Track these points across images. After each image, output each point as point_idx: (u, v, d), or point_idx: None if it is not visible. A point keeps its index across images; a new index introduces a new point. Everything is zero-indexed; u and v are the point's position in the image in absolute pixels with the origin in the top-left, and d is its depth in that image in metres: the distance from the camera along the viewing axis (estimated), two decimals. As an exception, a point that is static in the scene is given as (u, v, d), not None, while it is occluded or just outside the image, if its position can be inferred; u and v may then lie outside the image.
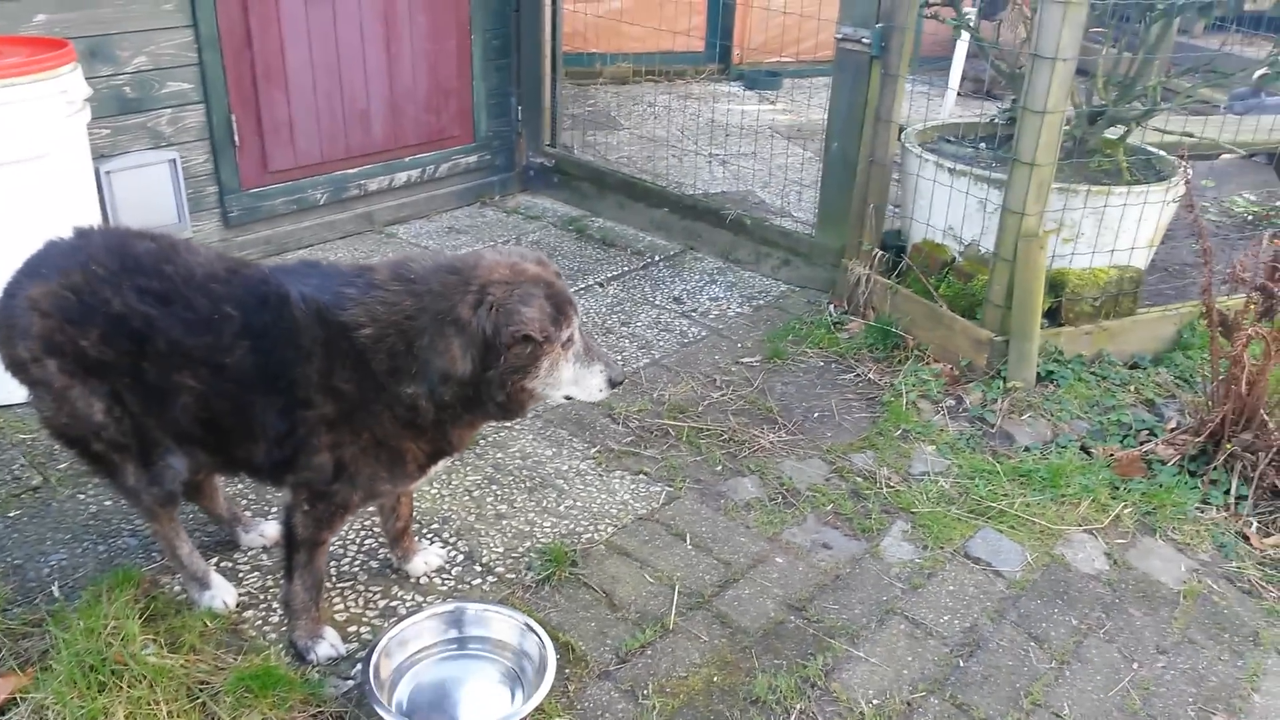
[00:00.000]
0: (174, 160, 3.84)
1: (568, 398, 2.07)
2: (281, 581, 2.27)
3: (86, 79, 3.17)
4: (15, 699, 2.01)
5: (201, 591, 2.35)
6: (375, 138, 4.51)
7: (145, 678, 2.01)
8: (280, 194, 4.25)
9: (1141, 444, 3.14)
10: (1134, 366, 3.55)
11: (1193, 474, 3.01)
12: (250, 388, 2.01)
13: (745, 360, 3.66)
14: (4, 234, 2.95)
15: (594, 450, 3.08)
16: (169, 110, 3.83)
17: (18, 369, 2.14)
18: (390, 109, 4.51)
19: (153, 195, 3.81)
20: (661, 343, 3.76)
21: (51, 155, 3.00)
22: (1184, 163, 3.36)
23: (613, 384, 2.05)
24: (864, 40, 3.68)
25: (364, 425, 2.01)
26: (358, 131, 4.44)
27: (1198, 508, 2.90)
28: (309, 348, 1.97)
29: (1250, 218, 5.17)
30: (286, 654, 2.22)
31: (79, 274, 2.05)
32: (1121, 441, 3.17)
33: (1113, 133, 3.87)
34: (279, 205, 4.26)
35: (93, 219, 3.25)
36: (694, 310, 4.03)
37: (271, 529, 2.60)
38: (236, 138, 4.03)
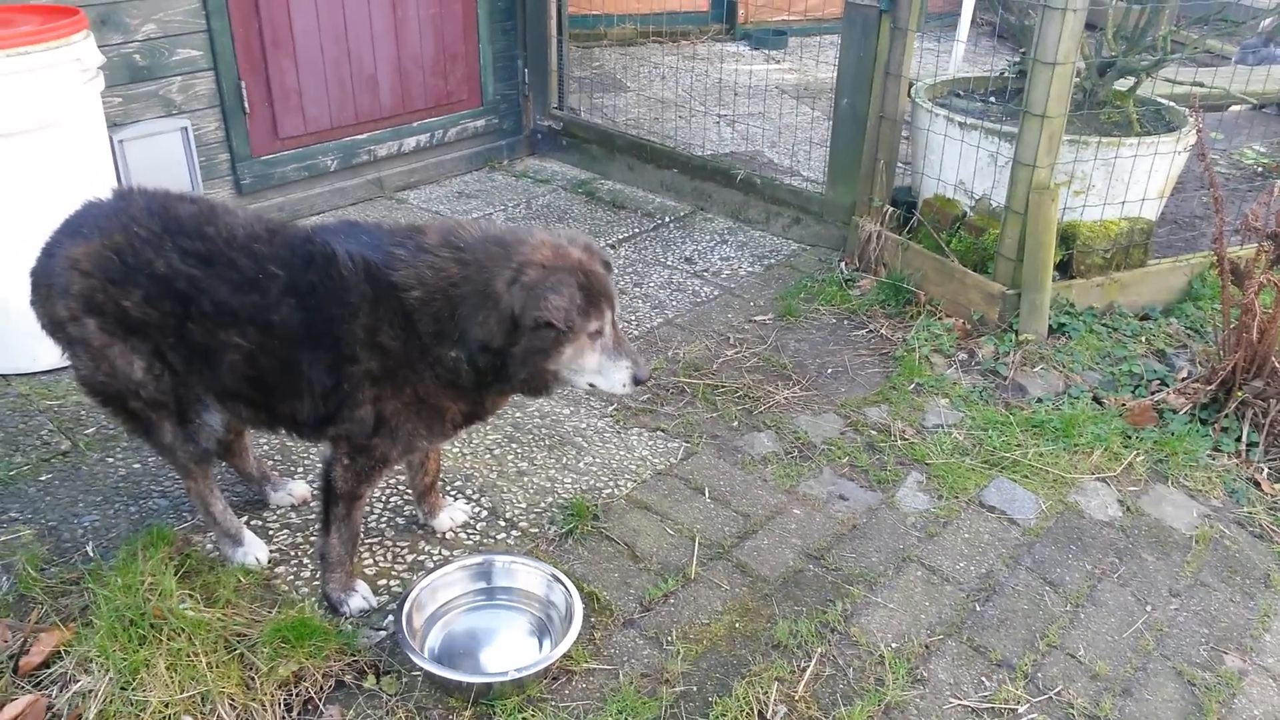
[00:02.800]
0: (186, 128, 3.86)
1: (591, 385, 2.08)
2: (316, 536, 2.33)
3: (99, 46, 3.17)
4: (60, 652, 2.07)
5: (234, 548, 2.40)
6: (384, 103, 4.52)
7: (184, 631, 2.07)
8: (291, 160, 4.26)
9: (1153, 394, 3.17)
10: (1145, 318, 3.58)
11: (1204, 422, 3.04)
12: (297, 344, 2.06)
13: (758, 318, 3.69)
14: (24, 201, 2.99)
15: (611, 409, 3.12)
16: (179, 78, 3.84)
17: (55, 327, 2.18)
18: (398, 74, 4.51)
19: (166, 163, 3.83)
20: (674, 302, 3.79)
21: (67, 123, 3.02)
22: (1195, 113, 3.36)
23: (636, 381, 2.07)
24: (873, -5, 3.67)
25: (407, 382, 2.06)
26: (366, 97, 4.45)
27: (1209, 455, 2.93)
28: (356, 304, 2.01)
29: (1260, 169, 5.15)
30: (320, 606, 2.28)
31: (121, 234, 2.08)
32: (1133, 391, 3.20)
33: (1123, 84, 3.86)
34: (290, 172, 4.27)
35: (108, 187, 3.27)
36: (706, 270, 4.05)
37: (300, 488, 2.65)
38: (247, 105, 4.04)
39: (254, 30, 3.99)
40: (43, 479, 2.71)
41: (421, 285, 1.99)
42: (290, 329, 2.04)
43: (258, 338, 2.06)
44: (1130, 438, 3.00)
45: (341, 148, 4.43)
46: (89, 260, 2.07)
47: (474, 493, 2.71)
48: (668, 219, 4.53)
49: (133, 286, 2.07)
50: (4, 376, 3.16)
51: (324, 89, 4.29)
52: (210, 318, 2.06)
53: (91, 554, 2.42)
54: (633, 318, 3.67)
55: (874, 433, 3.01)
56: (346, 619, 2.26)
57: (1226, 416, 3.00)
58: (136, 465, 2.77)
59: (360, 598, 2.29)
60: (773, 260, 4.15)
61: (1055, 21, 3.10)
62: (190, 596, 2.21)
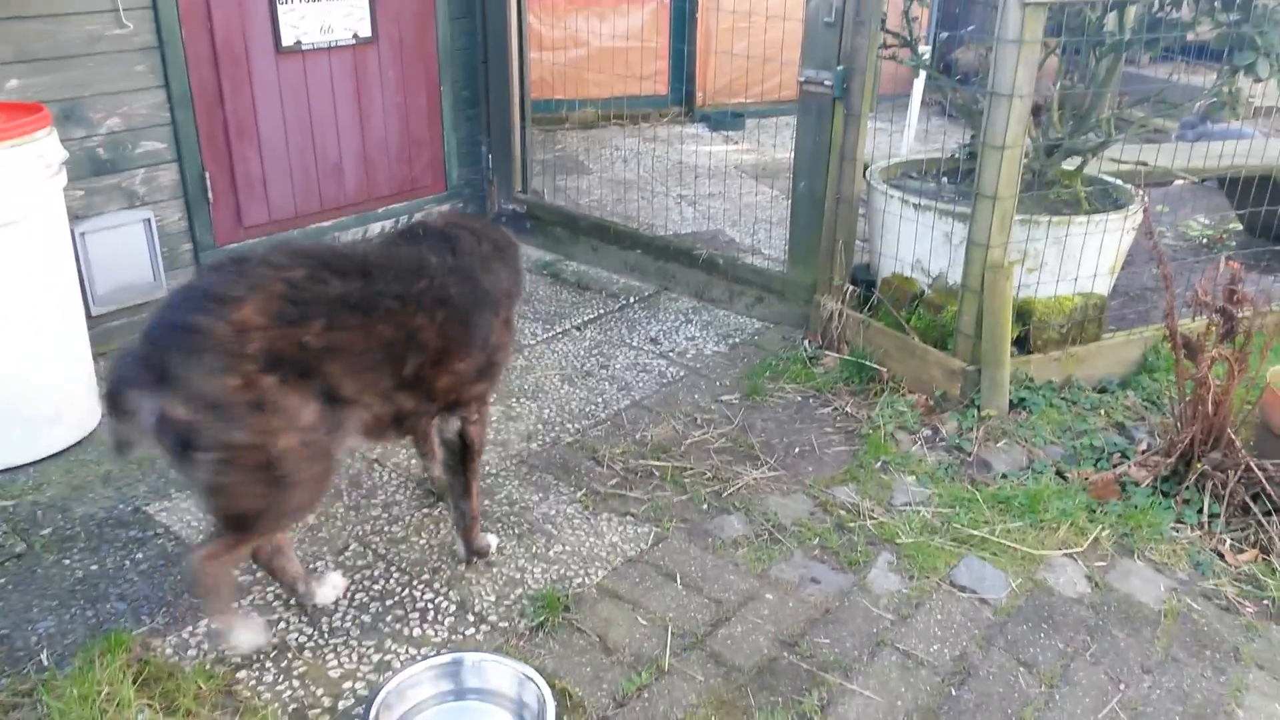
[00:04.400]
0: (148, 219, 3.85)
1: None
2: (457, 502, 2.69)
3: (61, 140, 3.19)
4: (10, 771, 1.99)
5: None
6: (348, 190, 4.55)
7: (142, 744, 2.00)
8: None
9: (1115, 467, 3.22)
10: (1102, 390, 3.64)
11: (1166, 494, 3.08)
12: (472, 309, 2.44)
13: (724, 398, 3.71)
14: (-17, 300, 2.96)
15: (580, 493, 3.11)
16: (143, 170, 3.85)
17: (214, 411, 1.99)
18: (362, 162, 4.56)
19: (127, 255, 3.82)
20: (641, 384, 3.81)
21: (29, 219, 3.01)
22: (1140, 191, 3.48)
23: None
24: (826, 83, 3.78)
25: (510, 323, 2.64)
26: (331, 184, 4.48)
27: (1173, 527, 2.97)
28: (497, 266, 2.56)
29: (1205, 240, 5.32)
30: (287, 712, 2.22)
31: (276, 280, 2.10)
32: (1095, 465, 3.25)
33: (1070, 164, 3.99)
34: (254, 260, 4.27)
35: (70, 280, 3.25)
36: (671, 350, 4.08)
37: (338, 578, 2.65)
38: (210, 195, 4.06)
39: (219, 122, 4.02)
40: (-5, 583, 2.63)
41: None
42: (465, 298, 2.41)
43: (442, 315, 2.35)
44: (1095, 512, 3.03)
45: (305, 235, 4.44)
46: (260, 314, 2.04)
47: (442, 586, 2.67)
48: (632, 299, 4.57)
49: (311, 319, 2.11)
50: (-43, 476, 3.09)
51: (289, 177, 4.32)
52: (396, 313, 2.26)
53: (46, 663, 2.35)
54: (600, 400, 3.67)
55: (843, 512, 3.02)
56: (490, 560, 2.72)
57: (1187, 489, 3.04)
58: (94, 567, 2.70)
59: (491, 536, 2.80)
60: (737, 339, 4.19)
61: (1002, 108, 3.21)
62: (149, 706, 2.14)
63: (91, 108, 3.66)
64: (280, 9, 4.07)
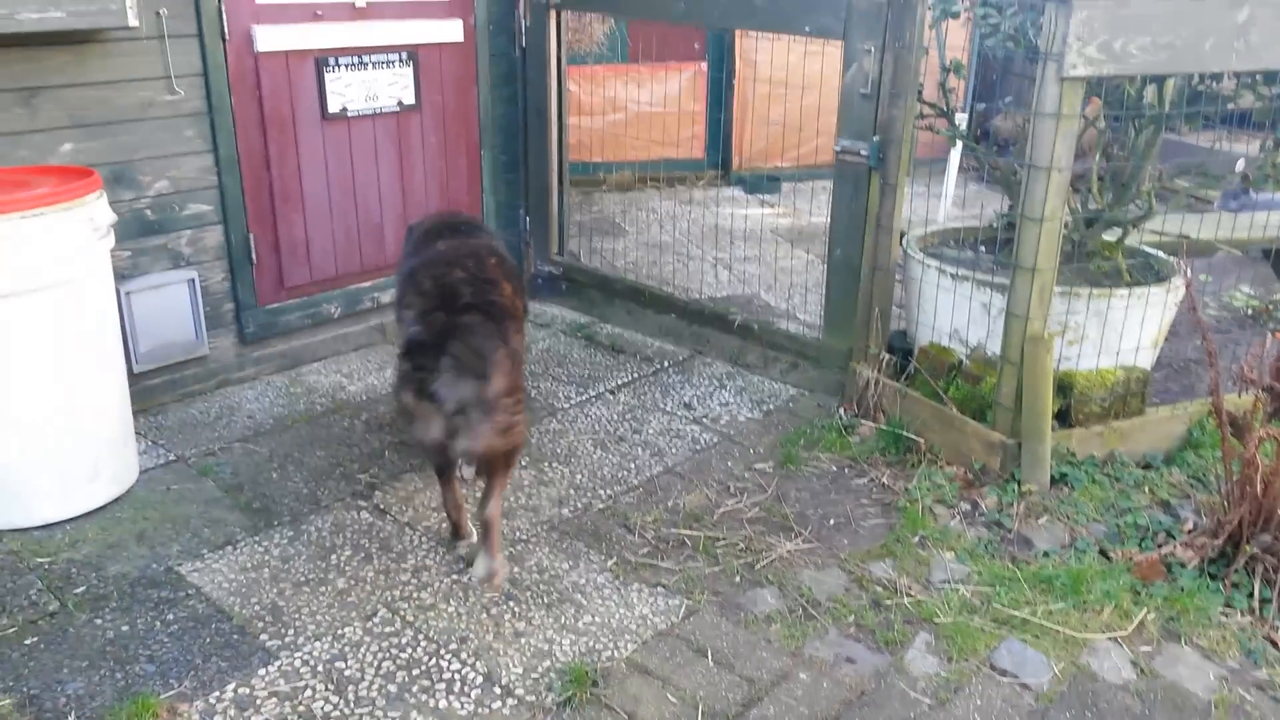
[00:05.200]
0: (193, 279, 3.93)
1: None
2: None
3: (110, 202, 3.26)
4: (32, 842, 1.98)
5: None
6: (388, 252, 4.61)
7: (164, 816, 1.98)
8: (296, 309, 4.33)
9: (1159, 546, 3.13)
10: (1146, 466, 3.56)
11: (1214, 577, 2.99)
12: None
13: (758, 466, 3.67)
14: (29, 358, 3.01)
15: (611, 562, 3.07)
16: (189, 231, 3.94)
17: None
18: (403, 224, 4.60)
19: (171, 314, 3.89)
20: (674, 450, 3.78)
21: (77, 280, 3.08)
22: (1184, 265, 3.43)
23: None
24: (862, 152, 3.79)
25: None
26: (371, 246, 4.55)
27: (1222, 612, 2.87)
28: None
29: (1250, 312, 5.24)
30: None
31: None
32: (1139, 544, 3.16)
33: (1110, 234, 3.96)
34: (294, 320, 4.33)
35: (114, 340, 3.31)
36: (705, 416, 4.06)
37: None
38: (254, 256, 4.13)
39: (264, 185, 4.11)
40: (27, 642, 2.64)
41: None
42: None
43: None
44: (1140, 594, 2.94)
45: (346, 295, 4.50)
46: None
47: (469, 656, 2.64)
48: (666, 363, 4.56)
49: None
50: (-5, 532, 3.13)
51: (331, 239, 4.39)
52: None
53: (72, 727, 2.34)
54: (632, 465, 3.65)
55: (879, 589, 2.96)
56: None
57: (1236, 572, 2.95)
58: (125, 627, 2.71)
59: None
60: (771, 406, 4.16)
61: (1041, 180, 3.20)
62: (172, 776, 2.12)
63: (141, 171, 3.76)
64: (328, 77, 4.17)
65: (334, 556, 3.06)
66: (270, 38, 3.96)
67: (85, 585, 2.88)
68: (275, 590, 2.89)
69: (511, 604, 2.86)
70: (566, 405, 4.12)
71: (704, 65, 7.43)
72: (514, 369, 2.78)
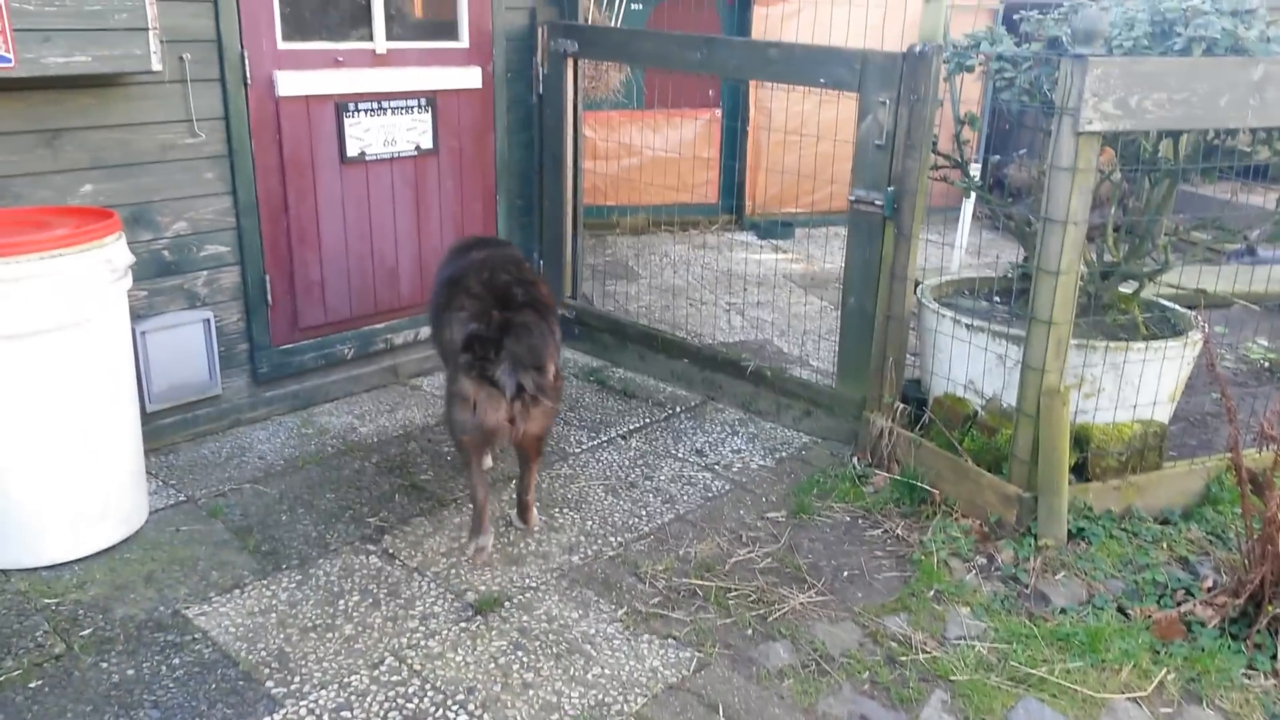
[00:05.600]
0: (208, 320, 3.94)
1: None
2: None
3: (128, 243, 3.29)
4: None
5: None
6: (403, 294, 4.63)
7: None
8: (309, 350, 4.33)
9: (1179, 604, 3.08)
10: (1164, 522, 3.52)
11: (1235, 637, 2.93)
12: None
13: (771, 515, 3.64)
14: (43, 397, 3.02)
15: (621, 612, 3.04)
16: (205, 272, 3.96)
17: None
18: (418, 267, 4.65)
19: (185, 354, 3.90)
20: (685, 497, 3.75)
21: (93, 322, 3.09)
22: (1201, 319, 3.41)
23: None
24: (876, 202, 3.80)
25: None
26: (386, 288, 4.57)
27: (1244, 674, 2.81)
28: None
29: (1266, 364, 5.20)
30: None
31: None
32: (1158, 601, 3.11)
33: (1126, 287, 3.94)
34: (308, 360, 4.34)
35: (128, 380, 3.32)
36: (717, 463, 4.03)
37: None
38: (270, 297, 4.15)
39: (282, 227, 4.14)
40: (32, 685, 2.62)
41: None
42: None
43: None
44: (1159, 653, 2.89)
45: (359, 336, 4.51)
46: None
47: (476, 708, 2.60)
48: (679, 409, 4.55)
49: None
50: (3, 572, 3.11)
51: (346, 281, 4.41)
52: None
53: (74, 775, 2.30)
54: (643, 512, 3.62)
55: (894, 644, 2.91)
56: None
57: (1259, 632, 2.89)
58: (130, 671, 2.68)
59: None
60: (784, 453, 4.13)
61: (1057, 234, 3.20)
62: (174, 829, 2.08)
63: (160, 212, 3.79)
64: (347, 122, 4.22)
65: (342, 602, 3.03)
66: (292, 83, 4.01)
67: (92, 627, 2.86)
68: (282, 636, 2.86)
69: (520, 654, 2.82)
70: (578, 450, 4.10)
71: (719, 112, 7.50)
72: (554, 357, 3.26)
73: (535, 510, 3.53)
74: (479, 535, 3.31)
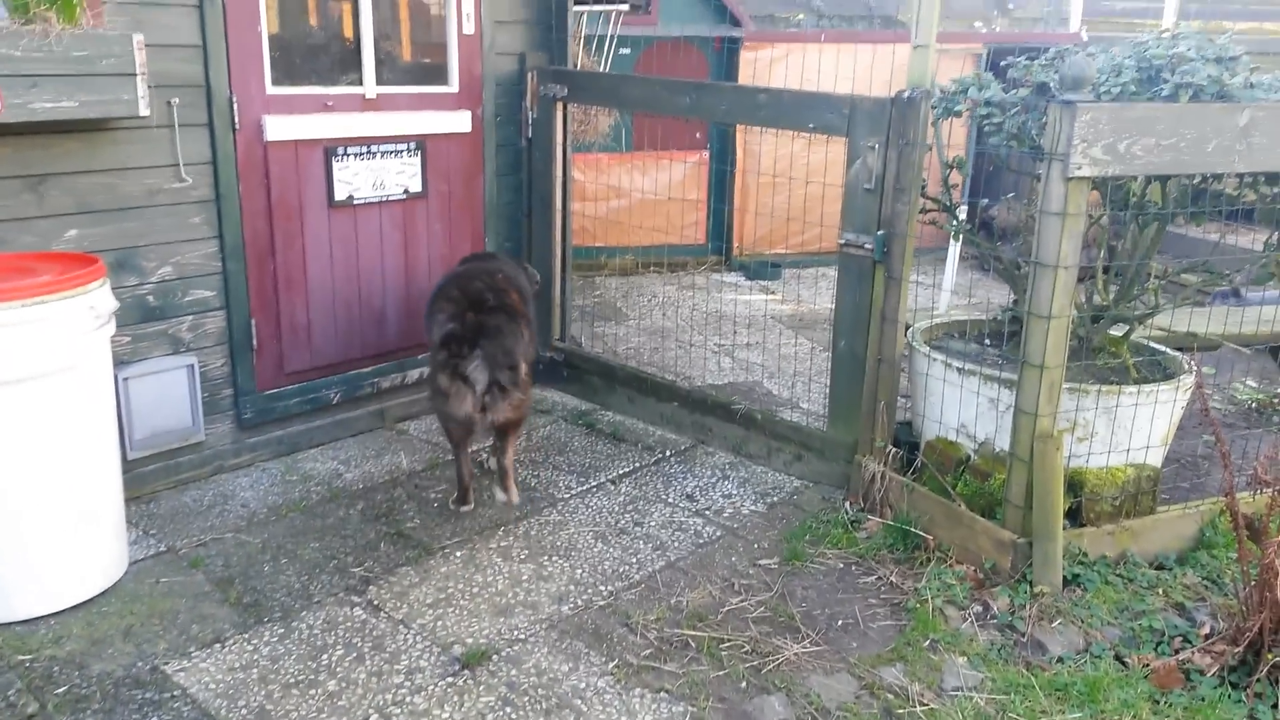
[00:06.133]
0: (192, 365, 3.89)
1: None
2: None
3: (113, 288, 3.25)
4: None
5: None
6: (390, 338, 4.60)
7: None
8: (295, 395, 4.28)
9: (1176, 652, 3.04)
10: (1160, 567, 3.49)
11: (1234, 685, 2.89)
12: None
13: (763, 562, 3.59)
14: (22, 445, 2.96)
15: (612, 664, 2.97)
16: (190, 317, 3.92)
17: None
18: (406, 311, 4.61)
19: (168, 400, 3.84)
20: (676, 543, 3.70)
21: (75, 368, 3.04)
22: (1192, 363, 3.41)
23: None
24: (866, 246, 3.80)
25: None
26: (374, 332, 4.53)
27: (1245, 725, 2.77)
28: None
29: (1254, 405, 5.21)
30: None
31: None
32: (1156, 649, 3.07)
33: (1116, 329, 3.94)
34: (293, 405, 4.28)
35: (109, 428, 3.26)
36: (708, 508, 3.99)
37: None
38: (255, 342, 4.10)
39: (268, 272, 4.10)
40: (3, 748, 2.54)
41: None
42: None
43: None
44: (1159, 702, 2.84)
45: (346, 380, 4.46)
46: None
47: (465, 767, 2.53)
48: (668, 453, 4.51)
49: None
50: (-23, 627, 3.03)
51: (333, 325, 4.37)
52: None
53: (45, 843, 2.22)
54: (634, 560, 3.57)
55: (891, 696, 2.86)
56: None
57: (1259, 681, 2.85)
58: (105, 732, 2.60)
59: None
60: (775, 498, 4.09)
61: (1048, 278, 3.19)
62: None
63: (145, 257, 3.76)
64: (336, 166, 4.20)
65: (325, 656, 2.96)
66: (281, 128, 4.00)
67: (67, 685, 2.78)
68: (263, 692, 2.79)
69: (509, 709, 2.75)
70: (567, 496, 4.05)
71: (706, 154, 7.53)
72: (526, 356, 3.73)
73: (515, 486, 3.88)
74: (462, 505, 3.88)
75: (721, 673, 2.95)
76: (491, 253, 4.73)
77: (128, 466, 3.67)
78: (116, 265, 3.65)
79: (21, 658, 2.89)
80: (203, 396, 3.95)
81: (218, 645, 2.99)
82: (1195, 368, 3.52)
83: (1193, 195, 3.69)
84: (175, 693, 2.77)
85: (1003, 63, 4.06)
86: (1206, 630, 3.12)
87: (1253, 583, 2.92)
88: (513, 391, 3.59)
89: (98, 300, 3.10)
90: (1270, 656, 2.85)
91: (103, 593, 3.22)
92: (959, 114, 3.89)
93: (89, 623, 3.08)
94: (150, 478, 3.89)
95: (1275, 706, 2.80)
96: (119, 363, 3.65)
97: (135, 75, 3.34)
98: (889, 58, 5.76)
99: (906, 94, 3.57)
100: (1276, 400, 5.23)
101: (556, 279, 5.09)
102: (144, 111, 3.40)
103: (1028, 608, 3.21)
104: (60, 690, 2.76)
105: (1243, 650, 2.91)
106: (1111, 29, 10.53)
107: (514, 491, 3.86)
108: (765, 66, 7.44)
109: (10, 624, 3.03)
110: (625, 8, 5.98)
